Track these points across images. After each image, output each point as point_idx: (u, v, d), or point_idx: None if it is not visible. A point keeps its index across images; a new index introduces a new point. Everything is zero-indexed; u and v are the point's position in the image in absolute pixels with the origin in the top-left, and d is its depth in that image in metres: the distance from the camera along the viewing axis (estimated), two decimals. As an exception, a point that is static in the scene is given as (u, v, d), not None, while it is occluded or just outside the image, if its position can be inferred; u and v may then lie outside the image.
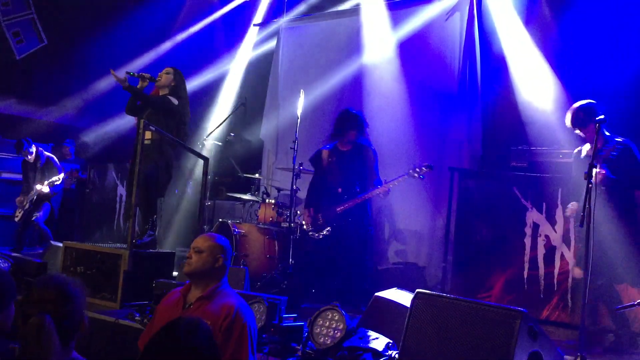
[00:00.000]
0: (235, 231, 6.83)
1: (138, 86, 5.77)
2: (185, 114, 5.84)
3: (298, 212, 6.35)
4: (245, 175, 7.96)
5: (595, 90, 5.94)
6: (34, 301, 2.21)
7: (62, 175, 8.23)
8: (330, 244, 5.82)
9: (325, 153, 6.12)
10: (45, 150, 8.82)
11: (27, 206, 8.20)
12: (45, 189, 8.11)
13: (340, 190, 5.84)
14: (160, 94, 5.85)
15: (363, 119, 6.00)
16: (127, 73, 5.76)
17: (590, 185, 3.79)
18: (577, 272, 4.58)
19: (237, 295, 3.16)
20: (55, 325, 2.13)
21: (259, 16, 9.74)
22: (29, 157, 8.29)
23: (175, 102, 5.73)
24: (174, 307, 3.15)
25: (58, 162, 8.53)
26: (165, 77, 5.84)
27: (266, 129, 9.19)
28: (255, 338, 3.01)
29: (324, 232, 5.79)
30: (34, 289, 2.27)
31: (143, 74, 5.79)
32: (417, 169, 5.62)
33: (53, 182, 8.09)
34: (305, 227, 6.00)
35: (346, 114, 6.01)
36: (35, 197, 8.18)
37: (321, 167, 6.12)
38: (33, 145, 8.32)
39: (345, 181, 5.87)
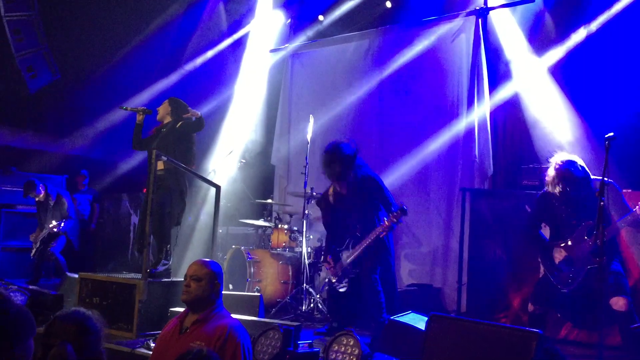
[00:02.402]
0: (248, 257, 6.85)
1: (137, 121, 6.03)
2: (193, 133, 6.04)
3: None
4: (257, 201, 8.00)
5: (603, 104, 5.95)
6: (55, 333, 2.27)
7: (64, 218, 8.16)
8: (349, 297, 5.27)
9: (330, 194, 5.51)
10: (60, 183, 8.89)
11: (38, 245, 8.19)
12: (54, 229, 8.08)
13: (347, 238, 5.28)
14: (165, 123, 6.04)
15: (345, 153, 5.15)
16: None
17: (602, 203, 3.76)
18: None
19: (231, 316, 3.28)
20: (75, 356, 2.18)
21: (267, 43, 9.86)
22: (39, 196, 8.25)
23: (193, 118, 5.92)
24: (172, 334, 3.25)
25: (70, 198, 8.50)
26: (162, 109, 6.09)
27: (277, 154, 9.26)
28: (250, 357, 3.10)
29: (343, 285, 5.27)
30: (56, 321, 2.33)
31: (137, 107, 6.12)
32: (393, 216, 4.96)
33: (55, 226, 8.04)
34: (333, 280, 5.39)
35: (325, 157, 5.25)
36: (46, 236, 8.15)
37: (329, 209, 5.52)
38: (41, 185, 8.27)
39: (350, 226, 5.29)
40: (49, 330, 2.30)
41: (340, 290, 5.29)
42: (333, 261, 5.34)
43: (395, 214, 4.98)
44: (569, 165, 4.46)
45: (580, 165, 4.48)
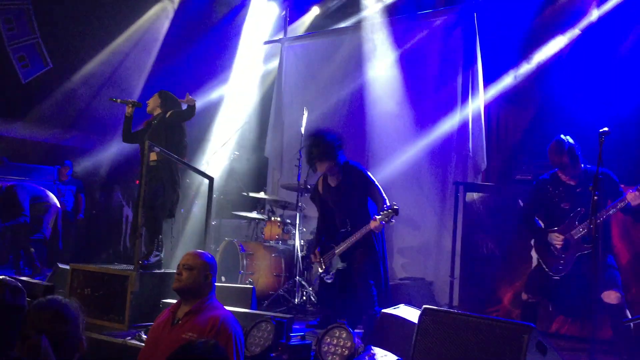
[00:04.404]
0: (241, 250, 6.84)
1: (127, 113, 6.03)
2: (184, 123, 6.04)
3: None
4: (250, 193, 7.98)
5: (598, 99, 5.96)
6: (31, 323, 2.22)
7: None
8: (339, 290, 5.23)
9: (320, 188, 5.41)
10: (52, 173, 8.79)
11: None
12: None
13: (340, 230, 5.23)
14: (155, 115, 6.04)
15: (326, 138, 5.09)
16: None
17: (595, 198, 3.75)
18: None
19: (224, 308, 3.27)
20: (52, 346, 2.14)
21: (261, 35, 9.81)
22: None
23: (184, 106, 5.93)
24: (164, 325, 3.24)
25: (27, 194, 7.71)
26: (152, 101, 6.10)
27: (271, 147, 9.23)
28: (242, 349, 3.10)
29: (330, 276, 5.22)
30: (31, 311, 2.28)
31: (127, 100, 6.13)
32: (384, 215, 4.85)
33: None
34: (320, 271, 5.34)
35: (312, 140, 5.18)
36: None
37: (322, 203, 5.43)
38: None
39: (340, 220, 5.25)
40: (26, 320, 2.25)
41: (327, 281, 5.26)
42: (320, 254, 5.30)
43: (386, 212, 4.86)
44: (560, 138, 4.53)
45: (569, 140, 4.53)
